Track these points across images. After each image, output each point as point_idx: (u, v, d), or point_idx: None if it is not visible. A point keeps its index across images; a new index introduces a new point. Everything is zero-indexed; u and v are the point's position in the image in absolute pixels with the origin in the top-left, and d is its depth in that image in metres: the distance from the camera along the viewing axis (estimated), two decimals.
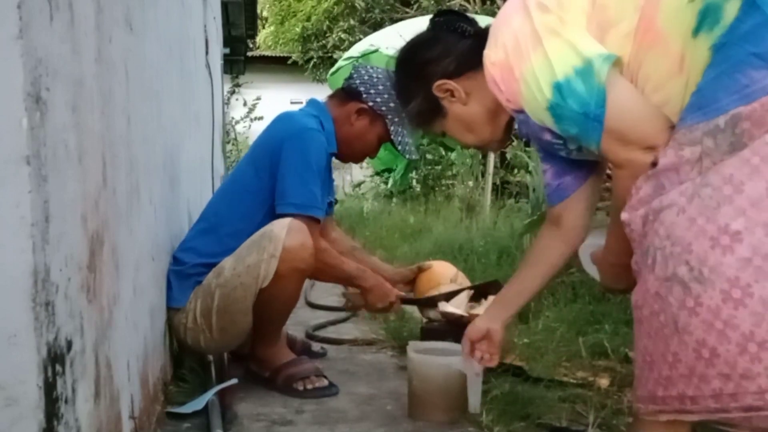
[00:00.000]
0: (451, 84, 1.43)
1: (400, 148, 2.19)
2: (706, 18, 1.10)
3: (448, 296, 2.23)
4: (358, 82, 2.17)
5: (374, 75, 2.17)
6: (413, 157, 2.29)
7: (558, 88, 1.18)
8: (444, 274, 2.33)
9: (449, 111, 1.46)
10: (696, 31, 1.11)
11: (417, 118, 1.53)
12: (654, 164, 1.13)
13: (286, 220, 1.93)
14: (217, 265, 1.98)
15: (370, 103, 2.14)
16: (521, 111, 1.28)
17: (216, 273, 1.97)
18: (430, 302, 2.25)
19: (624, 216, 1.16)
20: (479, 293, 2.27)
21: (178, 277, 2.02)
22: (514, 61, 1.24)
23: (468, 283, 2.34)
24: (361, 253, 2.41)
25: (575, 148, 1.32)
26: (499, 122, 1.45)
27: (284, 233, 1.89)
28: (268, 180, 2.04)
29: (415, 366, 1.77)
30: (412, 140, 2.25)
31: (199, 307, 1.97)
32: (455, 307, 2.17)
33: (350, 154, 2.23)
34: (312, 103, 2.24)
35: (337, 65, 8.95)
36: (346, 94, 2.19)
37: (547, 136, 1.30)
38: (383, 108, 2.14)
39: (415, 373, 1.76)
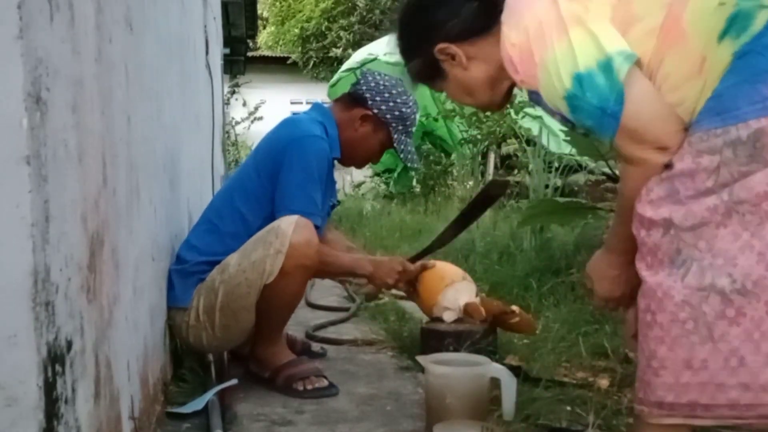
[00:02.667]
0: (453, 48, 1.40)
1: (402, 156, 2.20)
2: (734, 24, 1.09)
3: (456, 227, 2.26)
4: (364, 88, 2.17)
5: (381, 82, 2.18)
6: (415, 165, 2.30)
7: (578, 79, 1.16)
8: (453, 272, 2.31)
9: (449, 74, 1.43)
10: (722, 36, 1.10)
11: (417, 77, 1.51)
12: (668, 166, 1.13)
13: (294, 217, 1.93)
14: (222, 262, 1.98)
15: (375, 111, 2.14)
16: (536, 92, 1.27)
17: (220, 270, 1.97)
18: (438, 245, 2.27)
19: (643, 212, 1.15)
20: (484, 202, 2.30)
21: (180, 275, 2.02)
22: (535, 46, 1.22)
23: (473, 283, 2.33)
24: (358, 253, 2.41)
25: (583, 132, 1.32)
26: (499, 88, 1.43)
27: (291, 229, 1.89)
28: (269, 184, 2.04)
29: (446, 380, 1.63)
30: (415, 149, 2.25)
31: (202, 305, 1.98)
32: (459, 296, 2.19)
33: (352, 158, 2.24)
34: (317, 107, 2.24)
35: (336, 77, 9.00)
36: (352, 99, 2.19)
37: (557, 117, 1.29)
38: (388, 116, 2.14)
39: (447, 389, 1.63)
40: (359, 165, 2.32)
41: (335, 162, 2.22)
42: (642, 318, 1.16)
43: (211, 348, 2.09)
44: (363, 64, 8.40)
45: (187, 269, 2.02)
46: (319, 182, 2.03)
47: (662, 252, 1.12)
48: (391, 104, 2.14)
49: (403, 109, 2.16)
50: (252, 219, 2.03)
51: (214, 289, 1.96)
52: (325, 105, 2.24)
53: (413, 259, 2.28)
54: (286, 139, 2.06)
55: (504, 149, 6.73)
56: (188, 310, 1.99)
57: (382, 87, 2.16)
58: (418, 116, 2.25)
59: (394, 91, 2.16)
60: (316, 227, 2.01)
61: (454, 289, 2.24)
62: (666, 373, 1.13)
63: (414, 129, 2.24)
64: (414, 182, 8.32)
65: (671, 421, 1.14)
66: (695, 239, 1.08)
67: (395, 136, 2.16)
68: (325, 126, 2.13)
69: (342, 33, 13.97)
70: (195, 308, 1.98)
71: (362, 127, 2.16)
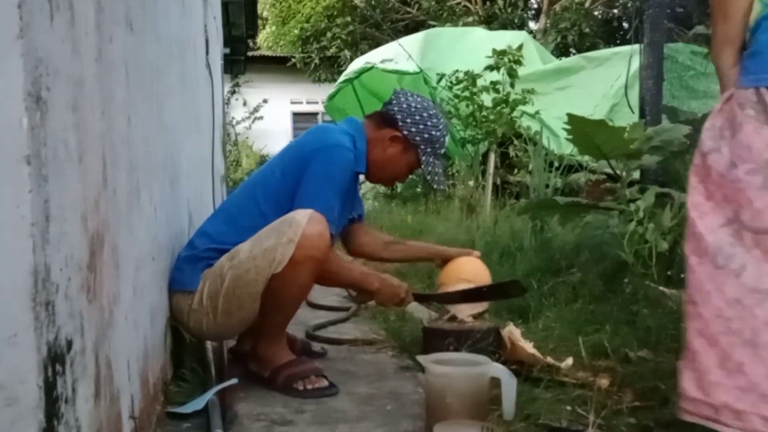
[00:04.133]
0: None
1: (429, 178, 2.22)
2: None
3: (463, 295, 2.24)
4: (395, 109, 2.18)
5: (413, 104, 2.19)
6: (441, 187, 2.32)
7: None
8: (464, 272, 2.32)
9: None
10: None
11: None
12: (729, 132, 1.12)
13: (308, 210, 1.94)
14: (232, 249, 2.00)
15: (405, 132, 2.16)
16: None
17: (230, 256, 1.99)
18: (441, 300, 2.27)
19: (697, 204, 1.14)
20: (497, 293, 2.29)
21: (189, 261, 2.04)
22: None
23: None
24: (397, 245, 2.45)
25: None
26: None
27: (305, 220, 1.91)
28: (292, 187, 2.06)
29: (446, 380, 1.63)
30: (443, 171, 2.26)
31: (207, 289, 1.99)
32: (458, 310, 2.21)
33: (379, 177, 2.27)
34: (350, 121, 2.26)
35: (335, 88, 9.01)
36: (383, 119, 2.20)
37: None
38: (417, 138, 2.16)
39: (448, 388, 1.63)
40: (386, 183, 2.39)
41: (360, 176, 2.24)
42: (686, 308, 1.13)
43: (210, 335, 2.10)
44: (360, 73, 8.43)
45: (197, 254, 2.04)
46: (339, 192, 2.05)
47: (713, 240, 1.09)
48: (421, 126, 2.16)
49: (433, 132, 2.17)
50: (271, 217, 2.03)
51: (221, 274, 1.97)
52: (359, 121, 2.26)
53: (416, 296, 2.29)
54: (313, 146, 2.08)
55: (512, 151, 6.73)
56: (193, 294, 2.00)
57: (413, 109, 2.17)
58: (448, 138, 2.27)
59: (425, 114, 2.17)
60: (332, 236, 2.02)
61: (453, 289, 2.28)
62: (697, 366, 1.09)
63: (443, 151, 2.26)
64: (413, 180, 8.35)
65: (690, 419, 1.10)
66: (754, 243, 1.06)
67: (423, 158, 2.19)
68: (356, 140, 2.15)
69: (341, 33, 13.97)
70: (200, 292, 2.00)
71: (391, 147, 2.18)
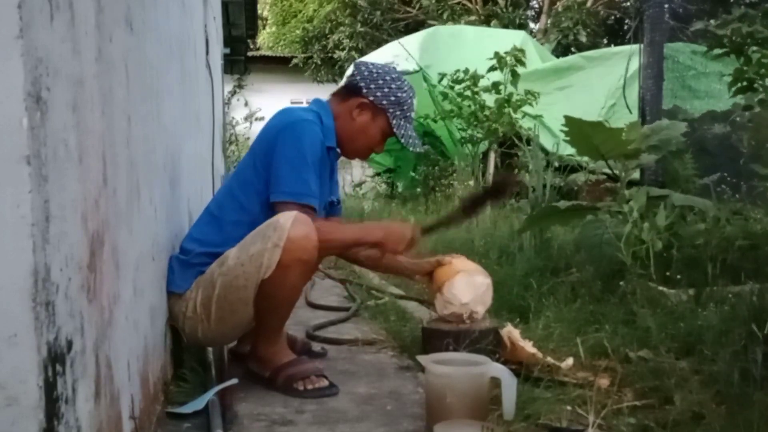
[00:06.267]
0: None
1: (403, 141, 2.20)
2: None
3: (465, 208, 2.20)
4: (358, 78, 2.19)
5: (374, 70, 2.19)
6: (417, 149, 2.29)
7: None
8: (458, 267, 2.25)
9: None
10: None
11: None
12: None
13: (293, 212, 1.93)
14: (222, 255, 1.99)
15: (371, 98, 2.16)
16: None
17: (219, 263, 1.98)
18: (447, 222, 2.23)
19: None
20: (496, 191, 2.27)
21: (181, 264, 2.04)
22: None
23: (488, 281, 2.24)
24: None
25: None
26: None
27: (290, 224, 1.90)
28: (263, 172, 2.06)
29: (446, 380, 1.63)
30: (416, 133, 2.25)
31: (200, 297, 1.98)
32: (461, 293, 2.15)
33: (355, 149, 2.24)
34: (315, 101, 2.26)
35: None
36: (347, 90, 2.21)
37: None
38: (384, 102, 2.15)
39: (448, 388, 1.62)
40: (363, 155, 2.32)
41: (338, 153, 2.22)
42: None
43: (207, 340, 2.10)
44: None
45: (189, 260, 2.04)
46: (311, 165, 2.03)
47: None
48: (386, 90, 2.16)
49: (399, 94, 2.17)
50: (250, 207, 2.04)
51: (212, 281, 1.97)
52: (324, 100, 2.25)
53: (423, 230, 2.20)
54: (277, 126, 2.08)
55: (513, 151, 6.75)
56: (186, 301, 2.00)
57: (375, 74, 2.18)
58: (415, 101, 2.26)
59: (387, 78, 2.18)
60: (312, 208, 2.01)
61: (468, 282, 2.19)
62: None
63: (413, 114, 2.24)
64: (413, 180, 8.36)
65: None
66: None
67: (394, 121, 2.17)
68: (321, 116, 2.15)
69: (343, 37, 14.00)
70: (193, 300, 1.99)
71: (360, 116, 2.17)
